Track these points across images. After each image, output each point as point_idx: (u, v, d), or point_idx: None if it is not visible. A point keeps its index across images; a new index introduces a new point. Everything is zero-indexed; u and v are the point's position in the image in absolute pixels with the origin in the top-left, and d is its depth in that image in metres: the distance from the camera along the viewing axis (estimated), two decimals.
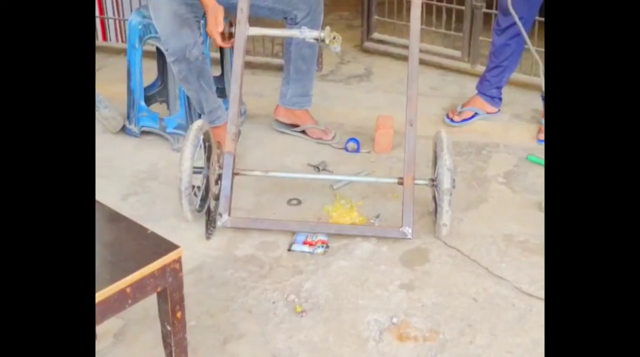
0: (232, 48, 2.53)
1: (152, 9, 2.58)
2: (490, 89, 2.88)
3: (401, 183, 2.25)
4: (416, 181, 2.23)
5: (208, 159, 2.31)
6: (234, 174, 2.29)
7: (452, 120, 2.89)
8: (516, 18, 2.53)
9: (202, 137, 2.25)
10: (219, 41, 2.51)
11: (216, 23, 2.47)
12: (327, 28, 2.38)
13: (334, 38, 2.35)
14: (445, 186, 2.11)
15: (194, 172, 2.22)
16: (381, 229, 2.29)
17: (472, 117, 2.90)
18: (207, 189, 2.32)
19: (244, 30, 2.34)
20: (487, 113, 2.91)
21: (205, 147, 2.30)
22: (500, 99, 2.93)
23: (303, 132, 2.86)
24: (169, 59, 2.57)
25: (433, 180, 2.23)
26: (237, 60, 2.33)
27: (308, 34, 2.36)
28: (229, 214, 2.25)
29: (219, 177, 2.30)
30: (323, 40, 2.34)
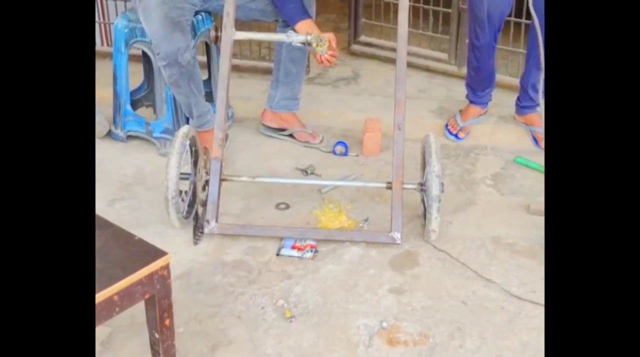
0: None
1: (142, 13, 2.55)
2: (484, 97, 2.86)
3: (390, 188, 2.24)
4: (405, 185, 2.23)
5: (195, 164, 2.30)
6: (222, 180, 2.28)
7: (457, 136, 2.84)
8: (536, 22, 2.45)
9: (188, 142, 2.23)
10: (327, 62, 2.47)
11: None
12: (314, 32, 2.38)
13: (321, 41, 2.34)
14: (434, 193, 2.11)
15: (181, 178, 2.20)
16: (370, 233, 2.28)
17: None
18: (194, 194, 2.31)
19: (231, 34, 2.33)
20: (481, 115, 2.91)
21: (191, 152, 2.29)
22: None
23: (291, 135, 2.85)
24: (160, 63, 2.54)
25: (422, 184, 2.22)
26: (224, 65, 2.32)
27: (295, 37, 2.35)
28: (217, 221, 2.24)
29: (206, 183, 2.28)
30: (310, 44, 2.33)
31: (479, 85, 2.81)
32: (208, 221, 2.23)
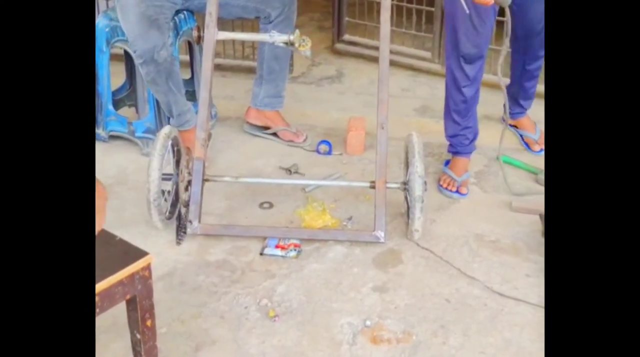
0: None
1: (119, 11, 2.54)
2: (469, 146, 2.60)
3: (373, 187, 2.25)
4: (388, 185, 2.24)
5: (177, 164, 2.29)
6: (204, 180, 2.27)
7: (459, 193, 2.50)
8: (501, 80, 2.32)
9: (170, 143, 2.22)
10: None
11: None
12: (297, 31, 2.37)
13: (304, 41, 2.34)
14: (417, 193, 2.12)
15: (164, 179, 2.19)
16: (354, 233, 2.28)
17: None
18: (177, 194, 2.30)
19: (213, 34, 2.32)
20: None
21: (174, 152, 2.28)
22: None
23: (274, 134, 2.85)
24: (136, 61, 2.54)
25: (405, 183, 2.23)
26: (206, 65, 2.31)
27: (277, 38, 2.34)
28: (199, 221, 2.23)
29: (189, 183, 2.27)
30: (293, 44, 2.33)
31: (463, 132, 2.55)
32: (191, 221, 2.23)
